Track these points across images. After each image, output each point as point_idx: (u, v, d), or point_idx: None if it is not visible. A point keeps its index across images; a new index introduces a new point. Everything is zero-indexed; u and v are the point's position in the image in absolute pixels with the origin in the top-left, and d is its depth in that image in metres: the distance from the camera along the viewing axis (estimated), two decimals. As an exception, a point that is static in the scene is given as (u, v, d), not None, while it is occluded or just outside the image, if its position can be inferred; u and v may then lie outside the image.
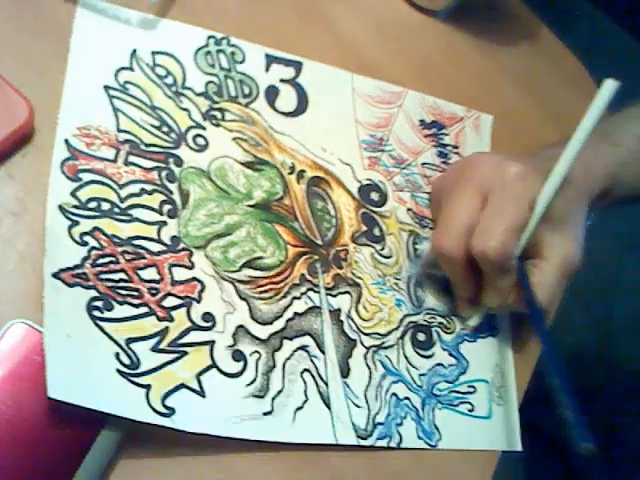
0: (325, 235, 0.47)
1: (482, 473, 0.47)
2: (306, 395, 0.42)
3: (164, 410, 0.36)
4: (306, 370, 0.43)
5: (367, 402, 0.44)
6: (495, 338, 0.52)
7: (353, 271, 0.47)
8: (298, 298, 0.44)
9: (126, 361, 0.36)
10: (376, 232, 0.50)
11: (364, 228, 0.49)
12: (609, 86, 0.45)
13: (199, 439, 0.37)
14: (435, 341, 0.49)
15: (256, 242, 0.44)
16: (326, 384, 0.43)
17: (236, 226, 0.44)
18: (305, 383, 0.42)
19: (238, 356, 0.40)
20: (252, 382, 0.40)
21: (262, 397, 0.40)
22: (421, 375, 0.47)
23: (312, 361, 0.43)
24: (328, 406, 0.42)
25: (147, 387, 0.36)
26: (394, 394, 0.45)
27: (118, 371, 0.36)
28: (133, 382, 0.36)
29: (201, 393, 0.38)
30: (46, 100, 0.40)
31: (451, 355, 0.49)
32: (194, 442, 0.37)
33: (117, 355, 0.36)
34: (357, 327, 0.46)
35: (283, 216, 0.46)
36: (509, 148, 0.58)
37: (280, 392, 0.41)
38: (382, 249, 0.49)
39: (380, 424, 0.44)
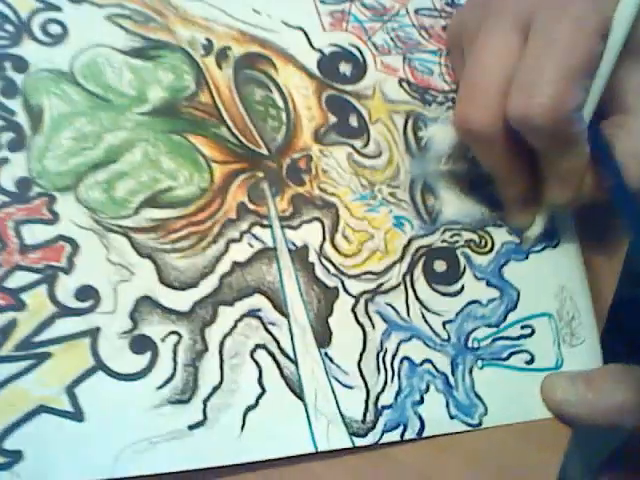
0: (272, 139, 0.31)
1: (552, 451, 0.31)
2: (262, 385, 0.28)
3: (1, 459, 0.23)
4: (259, 346, 0.28)
5: (363, 378, 0.29)
6: (556, 249, 0.35)
7: (322, 185, 0.31)
8: (237, 240, 0.29)
9: None
10: (352, 122, 0.33)
11: (333, 119, 0.33)
12: None
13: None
14: (463, 269, 0.33)
15: (159, 166, 0.29)
16: (294, 362, 0.28)
17: (124, 147, 0.29)
18: (259, 367, 0.28)
19: (141, 345, 0.26)
20: (168, 381, 0.26)
21: (187, 401, 0.26)
22: (447, 323, 0.32)
23: (268, 331, 0.28)
24: (299, 395, 0.28)
25: (-24, 424, 0.23)
26: (406, 358, 0.30)
27: None
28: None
29: (76, 415, 0.24)
30: None
31: (490, 285, 0.33)
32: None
33: None
34: (337, 268, 0.30)
35: (200, 121, 0.30)
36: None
37: (217, 388, 0.27)
38: (365, 146, 0.33)
39: (387, 407, 0.29)
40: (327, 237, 0.31)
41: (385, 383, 0.30)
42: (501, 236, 0.34)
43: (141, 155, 0.29)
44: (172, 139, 0.30)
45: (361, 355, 0.30)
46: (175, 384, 0.26)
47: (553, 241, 0.35)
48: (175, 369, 0.26)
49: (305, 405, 0.28)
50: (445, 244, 0.33)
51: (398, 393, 0.30)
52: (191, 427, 0.26)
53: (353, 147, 0.33)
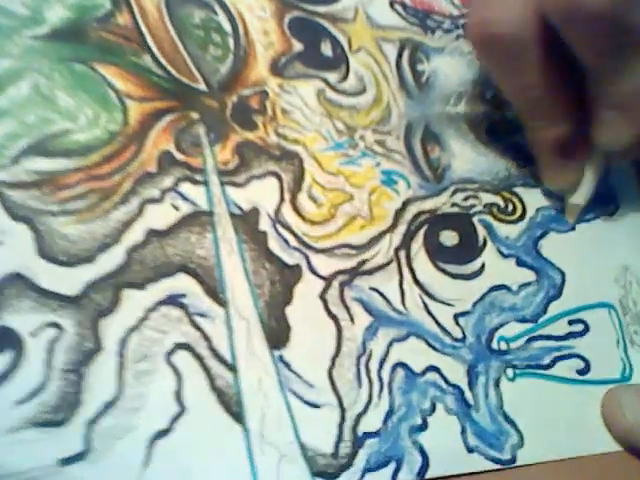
0: (214, 71, 0.23)
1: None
2: (180, 401, 0.19)
3: None
4: (181, 346, 0.20)
5: (336, 392, 0.20)
6: (614, 218, 0.26)
7: (281, 130, 0.23)
8: (156, 200, 0.21)
9: None
10: (325, 50, 0.25)
11: (299, 46, 0.25)
12: None
13: None
14: (483, 242, 0.24)
15: (54, 104, 0.21)
16: (232, 369, 0.20)
17: (7, 79, 0.21)
18: (178, 375, 0.19)
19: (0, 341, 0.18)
20: (35, 393, 0.18)
21: (60, 423, 0.18)
22: (461, 315, 0.22)
23: (196, 325, 0.20)
24: (237, 417, 0.19)
25: None
26: (401, 364, 0.21)
27: None
28: None
29: None
30: None
31: (523, 264, 0.24)
32: None
33: None
34: (299, 239, 0.22)
35: (114, 47, 0.23)
36: None
37: (111, 405, 0.18)
38: (342, 80, 0.25)
39: (372, 435, 0.20)
40: (286, 197, 0.22)
41: (369, 400, 0.20)
42: (535, 199, 0.25)
43: (29, 89, 0.21)
44: (73, 69, 0.22)
45: (333, 360, 0.21)
46: (46, 398, 0.18)
47: (609, 207, 0.26)
48: (48, 376, 0.18)
49: (246, 431, 0.19)
50: (456, 209, 0.24)
51: (389, 415, 0.20)
52: (65, 461, 0.17)
53: (326, 82, 0.24)
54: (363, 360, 0.21)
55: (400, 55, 0.26)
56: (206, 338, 0.20)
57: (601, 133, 0.22)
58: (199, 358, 0.19)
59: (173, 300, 0.20)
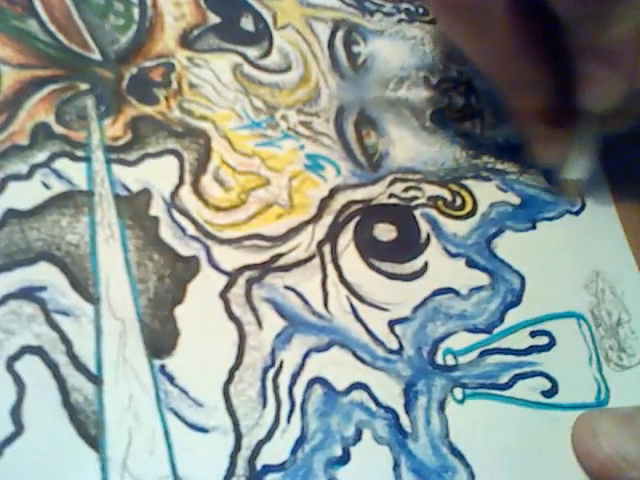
0: (113, 41, 0.20)
1: None
2: (17, 419, 0.14)
3: None
4: (30, 350, 0.15)
5: (232, 414, 0.16)
6: (581, 216, 0.22)
7: (186, 105, 0.20)
8: (23, 177, 0.17)
9: None
10: (246, 24, 0.22)
11: (215, 19, 0.22)
12: None
13: None
14: (427, 239, 0.20)
15: None
16: (95, 381, 0.15)
17: None
18: (20, 385, 0.15)
19: None
20: None
21: None
22: (397, 322, 0.18)
23: (54, 325, 0.16)
24: (92, 442, 0.15)
25: None
26: (319, 380, 0.17)
27: None
28: None
29: None
30: None
31: (474, 266, 0.20)
32: None
33: None
34: (199, 227, 0.18)
35: (-9, 8, 0.20)
36: None
37: None
38: (264, 56, 0.21)
39: (275, 469, 0.16)
40: (187, 179, 0.19)
41: (275, 424, 0.16)
42: (488, 194, 0.21)
43: None
44: (-62, 30, 0.19)
45: (232, 373, 0.16)
46: None
47: (574, 205, 0.22)
48: None
49: (102, 460, 0.15)
50: (394, 200, 0.20)
51: (299, 443, 0.16)
52: None
53: (244, 56, 0.21)
54: (271, 374, 0.17)
55: (333, 35, 0.23)
56: (65, 341, 0.16)
57: (588, 92, 0.19)
58: (51, 365, 0.15)
59: (28, 293, 0.16)
